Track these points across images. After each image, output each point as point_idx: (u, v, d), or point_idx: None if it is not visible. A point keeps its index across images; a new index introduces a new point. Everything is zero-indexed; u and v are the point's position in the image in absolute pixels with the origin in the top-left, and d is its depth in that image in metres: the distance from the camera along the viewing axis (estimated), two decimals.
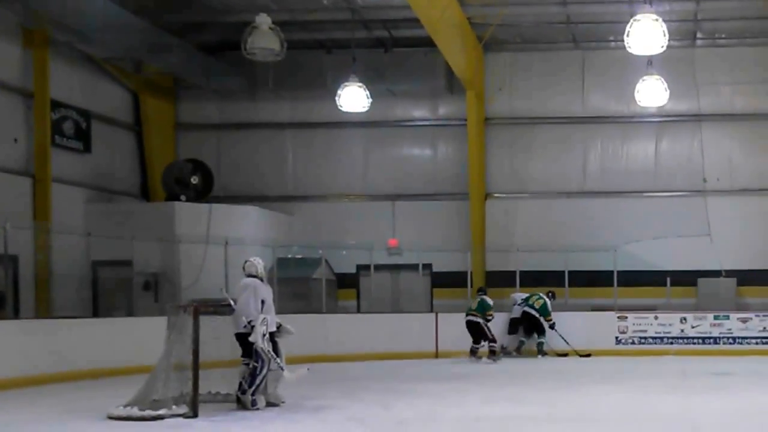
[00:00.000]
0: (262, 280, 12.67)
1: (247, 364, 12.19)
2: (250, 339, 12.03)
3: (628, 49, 17.96)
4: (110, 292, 21.03)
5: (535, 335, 21.32)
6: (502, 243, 23.89)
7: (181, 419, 11.20)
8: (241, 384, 12.22)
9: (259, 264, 12.81)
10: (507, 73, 24.61)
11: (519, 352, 21.34)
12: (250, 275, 12.67)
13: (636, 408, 12.18)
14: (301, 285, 21.62)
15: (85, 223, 21.09)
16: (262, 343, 12.00)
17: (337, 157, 25.10)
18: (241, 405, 12.16)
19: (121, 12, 19.79)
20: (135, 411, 11.33)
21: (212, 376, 12.25)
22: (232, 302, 12.39)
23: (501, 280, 23.14)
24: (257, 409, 12.08)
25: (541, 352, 21.16)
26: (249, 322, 12.13)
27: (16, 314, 18.51)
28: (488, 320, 19.86)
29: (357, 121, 24.13)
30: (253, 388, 12.15)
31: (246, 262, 12.87)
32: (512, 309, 21.60)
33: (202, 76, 23.40)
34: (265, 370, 12.20)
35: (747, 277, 17.71)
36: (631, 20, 17.57)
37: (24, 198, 19.78)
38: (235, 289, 12.82)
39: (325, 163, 25.05)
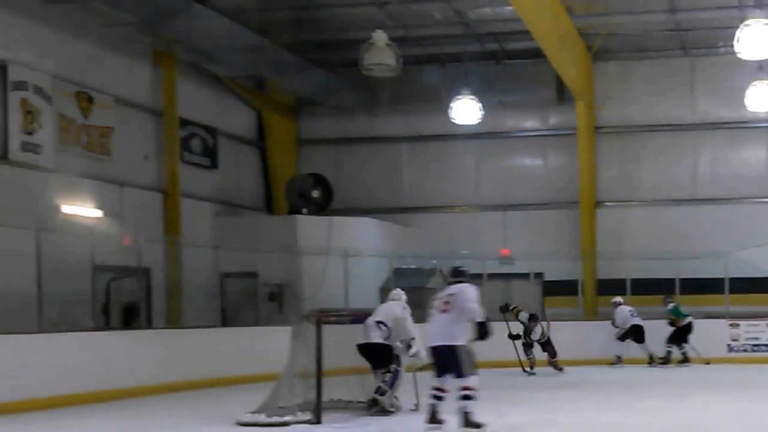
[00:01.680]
0: None
1: (385, 373, 12.45)
2: (411, 353, 12.35)
3: (738, 54, 17.76)
4: (237, 302, 21.45)
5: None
6: (612, 251, 23.71)
7: (306, 425, 11.33)
8: (380, 387, 12.41)
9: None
10: (616, 82, 24.48)
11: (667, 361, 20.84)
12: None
13: (747, 417, 12.03)
14: (417, 294, 21.75)
15: (213, 236, 21.63)
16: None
17: (449, 168, 25.29)
18: (377, 408, 12.34)
19: (245, 32, 20.29)
20: (262, 417, 11.54)
21: (334, 384, 12.45)
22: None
23: (612, 288, 22.88)
24: (393, 411, 12.33)
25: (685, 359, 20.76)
26: (411, 339, 12.42)
27: (149, 324, 19.06)
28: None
29: (469, 133, 24.22)
30: (394, 389, 12.44)
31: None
32: (623, 319, 20.96)
33: (322, 93, 23.79)
34: (401, 375, 12.50)
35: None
36: (741, 25, 17.38)
37: (155, 213, 20.40)
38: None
39: (438, 174, 25.26)
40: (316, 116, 25.54)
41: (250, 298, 21.31)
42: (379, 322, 12.62)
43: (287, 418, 11.51)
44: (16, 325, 14.52)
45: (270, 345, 15.07)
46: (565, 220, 24.43)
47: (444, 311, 10.39)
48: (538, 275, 23.59)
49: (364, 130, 25.62)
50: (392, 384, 12.44)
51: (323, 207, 23.12)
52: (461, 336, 10.33)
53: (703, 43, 23.72)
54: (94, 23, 18.32)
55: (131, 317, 18.80)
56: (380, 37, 19.12)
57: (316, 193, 23.07)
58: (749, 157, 24.24)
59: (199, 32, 19.05)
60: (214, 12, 19.10)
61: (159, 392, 15.60)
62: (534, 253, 22.95)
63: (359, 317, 13.08)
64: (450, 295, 10.50)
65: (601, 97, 24.50)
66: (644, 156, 24.50)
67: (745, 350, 21.40)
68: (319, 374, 11.80)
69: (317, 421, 11.55)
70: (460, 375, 10.21)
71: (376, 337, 12.53)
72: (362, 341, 12.59)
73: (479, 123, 22.66)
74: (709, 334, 21.25)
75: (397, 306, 12.86)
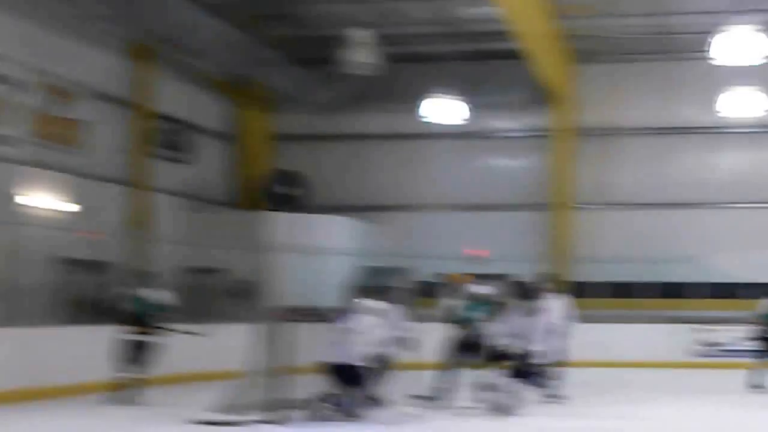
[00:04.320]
0: None
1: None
2: None
3: (714, 60, 18.06)
4: (204, 298, 21.36)
5: None
6: (587, 253, 23.91)
7: (271, 424, 11.33)
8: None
9: None
10: (595, 85, 24.66)
11: None
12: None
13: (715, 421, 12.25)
14: (382, 294, 21.85)
15: (182, 231, 21.75)
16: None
17: (422, 168, 25.42)
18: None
19: (224, 27, 20.36)
20: (224, 416, 11.56)
21: (301, 382, 12.35)
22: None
23: (588, 290, 23.01)
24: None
25: None
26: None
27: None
28: None
29: (447, 132, 24.44)
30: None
31: None
32: None
33: (300, 90, 23.83)
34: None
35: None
36: (718, 32, 17.71)
37: (124, 206, 20.52)
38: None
39: (410, 174, 25.42)
40: (293, 112, 25.59)
41: (217, 295, 21.36)
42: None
43: (252, 417, 11.55)
44: None
45: (236, 342, 15.11)
46: (538, 222, 24.62)
47: None
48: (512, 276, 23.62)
49: (341, 127, 25.73)
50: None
51: (295, 204, 23.22)
52: None
53: (681, 48, 23.93)
54: (71, 15, 18.38)
55: (98, 312, 18.85)
56: (360, 35, 19.32)
57: (288, 190, 23.18)
58: (724, 162, 24.50)
59: (176, 26, 19.11)
60: (192, 6, 19.11)
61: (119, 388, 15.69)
62: (508, 254, 22.97)
63: (326, 316, 13.21)
64: None
65: (581, 99, 24.67)
66: (620, 159, 24.74)
67: (713, 355, 21.58)
68: (285, 372, 12.03)
69: (283, 420, 11.57)
70: None
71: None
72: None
73: (456, 123, 22.82)
74: (677, 339, 21.58)
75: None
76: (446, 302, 14.19)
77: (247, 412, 11.73)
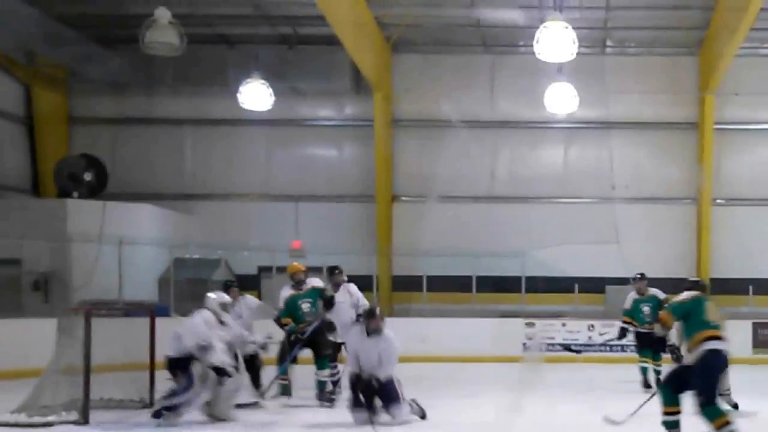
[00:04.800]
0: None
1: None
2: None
3: (537, 55, 18.04)
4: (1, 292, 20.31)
5: None
6: (409, 247, 23.68)
7: (71, 426, 10.90)
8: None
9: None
10: (415, 75, 24.41)
11: None
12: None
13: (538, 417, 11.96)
14: (200, 287, 21.28)
15: None
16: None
17: (238, 155, 24.72)
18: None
19: (11, 1, 19.24)
20: (23, 417, 11.04)
21: (104, 381, 11.94)
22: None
23: (408, 284, 23.24)
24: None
25: None
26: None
27: None
28: None
29: (259, 119, 23.81)
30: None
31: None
32: None
33: (98, 70, 22.75)
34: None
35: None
36: (541, 26, 17.64)
37: None
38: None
39: (226, 161, 24.67)
40: (91, 94, 24.39)
41: (12, 288, 20.20)
42: None
43: (51, 418, 11.03)
44: None
45: (34, 338, 14.31)
46: (361, 214, 24.32)
47: None
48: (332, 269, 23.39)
49: (144, 110, 24.69)
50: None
51: (96, 191, 22.36)
52: None
53: (504, 42, 23.99)
54: None
55: None
56: (163, 14, 18.55)
57: (88, 176, 22.27)
58: (548, 157, 24.66)
59: None
60: None
61: None
62: (328, 247, 22.46)
63: (135, 310, 12.63)
64: None
65: (400, 89, 24.38)
66: (443, 151, 24.37)
67: (540, 349, 21.72)
68: (87, 371, 11.29)
69: (85, 421, 11.08)
70: None
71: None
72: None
73: (271, 109, 22.36)
74: (504, 333, 21.57)
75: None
76: (284, 294, 13.66)
77: (51, 412, 11.18)
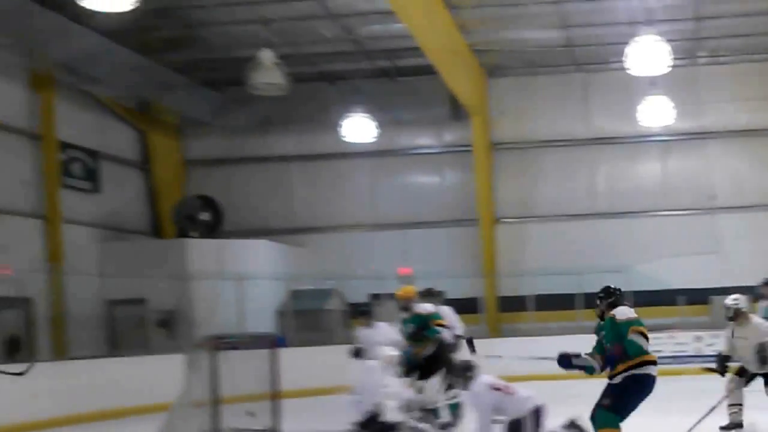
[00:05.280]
0: None
1: None
2: None
3: (629, 70, 18.07)
4: (126, 330, 21.05)
5: None
6: (513, 268, 23.82)
7: None
8: None
9: None
10: (511, 98, 24.61)
11: None
12: None
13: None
14: (315, 317, 21.66)
15: (98, 262, 21.24)
16: None
17: (344, 187, 25.13)
18: None
19: (126, 52, 19.99)
20: None
21: (231, 412, 12.09)
22: None
23: (514, 304, 23.26)
24: None
25: None
26: None
27: (32, 357, 18.53)
28: None
29: (363, 151, 24.24)
30: None
31: None
32: None
33: (208, 113, 23.56)
34: None
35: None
36: (632, 41, 17.68)
37: (36, 240, 19.89)
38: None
39: (332, 194, 25.05)
40: (203, 136, 25.17)
41: (139, 326, 20.91)
42: None
43: None
44: None
45: (161, 373, 14.78)
46: (466, 237, 24.40)
47: None
48: (439, 293, 23.52)
49: (253, 149, 25.28)
50: None
51: (213, 229, 22.93)
52: None
53: (595, 59, 23.99)
54: None
55: (14, 350, 18.28)
56: (267, 55, 19.12)
57: (204, 216, 22.87)
58: (645, 171, 24.60)
59: (77, 53, 18.72)
60: (93, 32, 18.64)
61: (45, 427, 15.17)
62: (435, 272, 22.49)
63: (256, 343, 12.93)
64: None
65: (496, 113, 24.60)
66: (541, 172, 24.66)
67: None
68: (215, 403, 11.62)
69: None
70: None
71: None
72: None
73: (373, 141, 22.75)
74: None
75: None
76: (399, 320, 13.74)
77: None
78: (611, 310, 9.52)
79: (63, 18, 17.75)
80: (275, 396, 12.61)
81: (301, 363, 17.58)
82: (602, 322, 9.60)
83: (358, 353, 13.26)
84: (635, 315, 9.44)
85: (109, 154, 22.88)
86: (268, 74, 19.33)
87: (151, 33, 20.52)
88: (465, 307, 22.88)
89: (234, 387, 12.00)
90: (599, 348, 9.41)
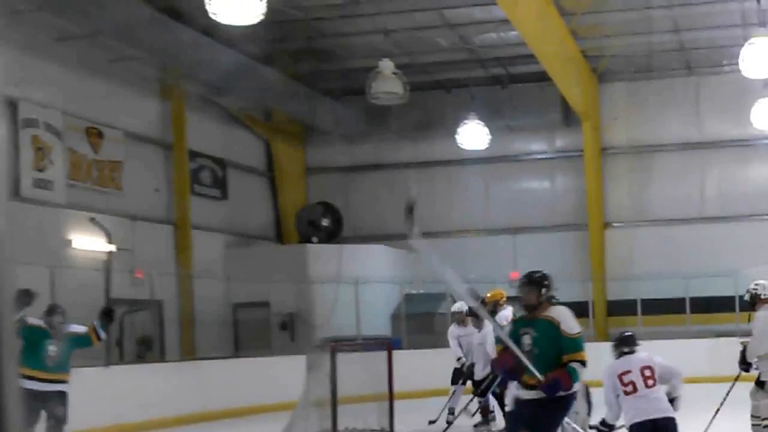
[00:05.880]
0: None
1: None
2: None
3: (743, 72, 17.82)
4: (249, 332, 21.55)
5: None
6: (622, 272, 23.68)
7: None
8: None
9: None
10: (622, 103, 24.48)
11: None
12: None
13: None
14: (428, 320, 21.85)
15: (225, 267, 21.84)
16: None
17: (458, 193, 25.29)
18: None
19: (252, 63, 20.40)
20: None
21: (349, 412, 12.46)
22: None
23: (622, 308, 23.05)
24: None
25: None
26: None
27: (162, 357, 19.21)
28: None
29: (476, 157, 24.30)
30: None
31: None
32: None
33: (330, 122, 23.83)
34: None
35: None
36: (746, 44, 17.44)
37: (167, 245, 20.53)
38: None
39: (446, 199, 25.14)
40: (324, 145, 25.54)
41: (262, 328, 21.38)
42: None
43: None
44: None
45: (283, 374, 15.17)
46: (575, 242, 24.42)
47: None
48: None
49: (372, 157, 25.66)
50: None
51: (333, 235, 23.31)
52: None
53: (707, 62, 23.75)
54: (103, 59, 18.45)
55: (145, 350, 18.93)
56: (386, 65, 19.34)
57: (325, 222, 23.28)
58: (757, 174, 24.18)
59: (206, 65, 19.15)
60: (220, 44, 19.13)
61: (173, 425, 15.69)
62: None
63: (372, 345, 13.18)
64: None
65: (608, 118, 24.51)
66: (652, 176, 24.49)
67: (757, 368, 21.17)
68: (334, 403, 11.91)
69: None
70: None
71: None
72: None
73: (486, 147, 22.82)
74: (720, 352, 21.14)
75: None
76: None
77: None
78: None
79: (193, 31, 18.27)
80: (389, 397, 12.89)
81: (414, 365, 17.91)
82: None
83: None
84: None
85: (235, 162, 23.45)
86: (388, 83, 19.53)
87: (276, 45, 20.98)
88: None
89: (350, 387, 12.30)
90: None
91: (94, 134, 18.86)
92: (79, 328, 10.58)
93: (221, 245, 22.47)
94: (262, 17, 14.79)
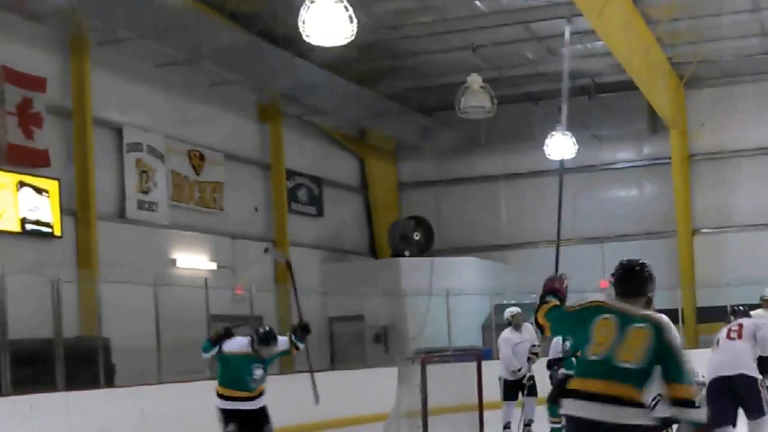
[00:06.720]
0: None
1: None
2: None
3: None
4: (345, 345, 21.73)
5: None
6: (711, 278, 23.05)
7: None
8: None
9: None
10: (709, 109, 24.03)
11: None
12: None
13: None
14: None
15: (321, 282, 21.96)
16: None
17: (546, 204, 24.37)
18: None
19: (345, 84, 20.69)
20: None
21: (440, 423, 12.36)
22: None
23: (712, 315, 22.51)
24: None
25: None
26: None
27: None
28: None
29: (564, 167, 24.00)
30: None
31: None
32: None
33: (421, 137, 23.95)
34: None
35: None
36: None
37: (266, 262, 20.57)
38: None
39: (535, 210, 24.91)
40: (416, 160, 25.64)
41: (357, 341, 21.54)
42: None
43: None
44: (137, 376, 14.92)
45: (378, 386, 15.15)
46: (664, 249, 23.88)
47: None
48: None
49: (462, 170, 25.65)
50: None
51: (424, 248, 23.32)
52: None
53: None
54: (203, 83, 18.72)
55: None
56: (475, 80, 19.42)
57: (417, 235, 23.32)
58: None
59: (302, 86, 19.43)
60: (315, 66, 19.42)
61: None
62: None
63: (463, 356, 13.14)
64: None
65: (694, 124, 24.08)
66: (740, 182, 23.98)
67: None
68: (425, 414, 11.82)
69: None
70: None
71: None
72: None
73: (574, 157, 22.59)
74: None
75: None
76: None
77: None
78: None
79: (288, 53, 18.56)
80: (479, 407, 12.74)
81: None
82: None
83: None
84: None
85: (330, 179, 23.66)
86: (476, 98, 19.60)
87: (366, 64, 21.27)
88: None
89: (441, 398, 12.23)
90: None
91: (196, 156, 19.23)
92: (283, 345, 10.67)
93: (317, 261, 22.66)
94: (352, 38, 14.92)
